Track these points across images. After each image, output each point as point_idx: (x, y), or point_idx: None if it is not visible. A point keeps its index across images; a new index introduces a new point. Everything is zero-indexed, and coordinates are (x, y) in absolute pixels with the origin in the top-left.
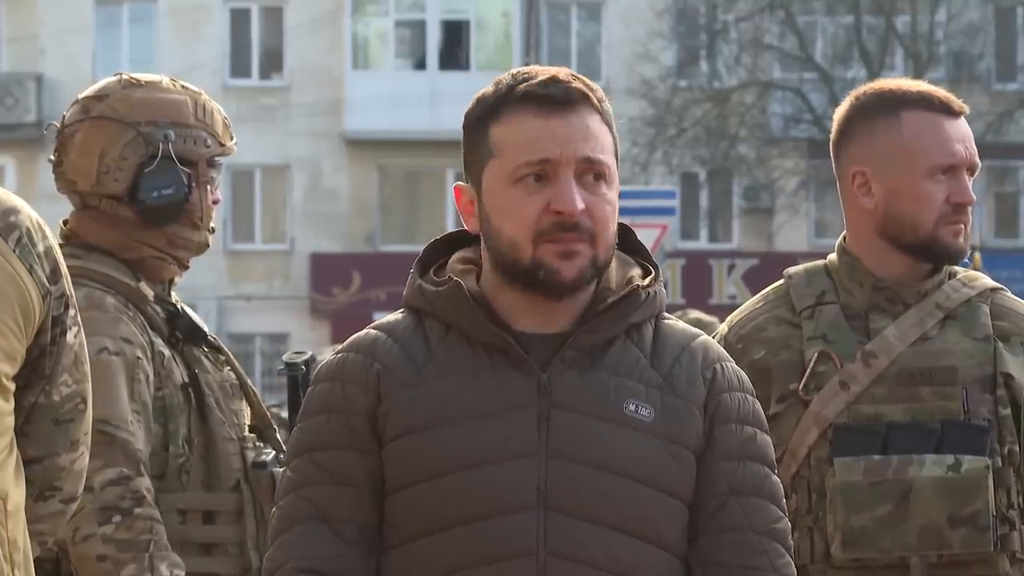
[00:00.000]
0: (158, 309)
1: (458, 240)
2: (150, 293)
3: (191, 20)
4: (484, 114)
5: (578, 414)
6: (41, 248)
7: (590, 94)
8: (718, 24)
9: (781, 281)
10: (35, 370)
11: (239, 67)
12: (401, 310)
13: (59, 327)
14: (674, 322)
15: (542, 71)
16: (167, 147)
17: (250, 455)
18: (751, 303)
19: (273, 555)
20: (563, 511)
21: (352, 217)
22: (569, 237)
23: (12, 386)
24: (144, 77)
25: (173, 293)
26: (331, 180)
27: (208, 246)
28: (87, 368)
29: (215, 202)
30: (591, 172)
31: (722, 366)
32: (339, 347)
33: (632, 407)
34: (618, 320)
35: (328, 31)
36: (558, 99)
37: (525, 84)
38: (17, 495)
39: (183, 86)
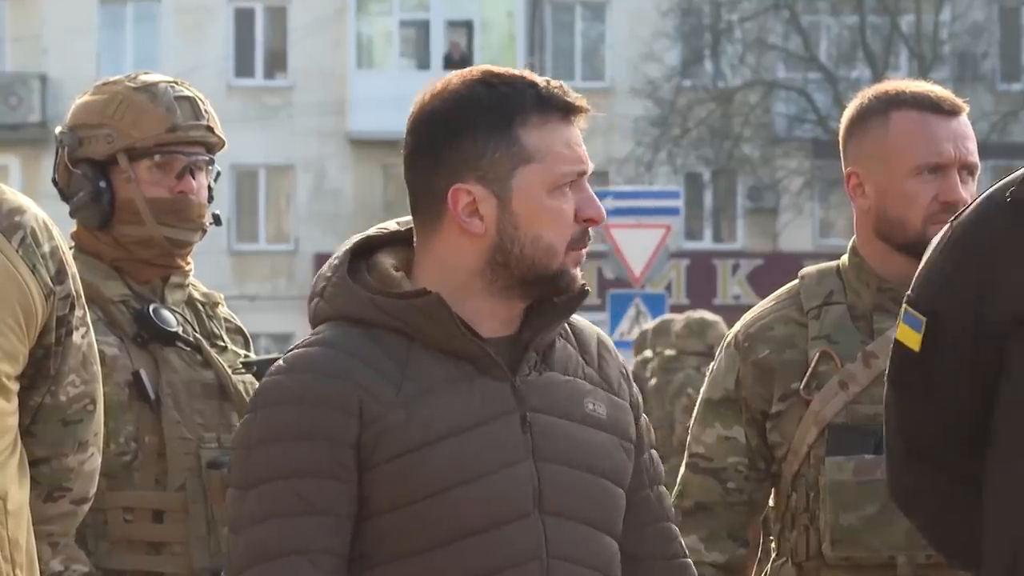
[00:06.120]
0: (123, 309)
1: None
2: (117, 293)
3: (195, 20)
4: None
5: (551, 416)
6: (46, 248)
7: None
8: (722, 24)
9: (795, 281)
10: (40, 370)
11: (243, 67)
12: (328, 324)
13: (64, 327)
14: (576, 315)
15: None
16: (63, 152)
17: (206, 455)
18: (764, 303)
19: None
20: (555, 513)
21: (356, 217)
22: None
23: (15, 386)
24: (109, 80)
25: (170, 293)
26: (335, 180)
27: (168, 239)
28: (96, 369)
29: (182, 192)
30: None
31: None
32: (286, 366)
33: (591, 406)
34: (563, 319)
35: (332, 31)
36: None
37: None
38: (19, 495)
39: (131, 83)
